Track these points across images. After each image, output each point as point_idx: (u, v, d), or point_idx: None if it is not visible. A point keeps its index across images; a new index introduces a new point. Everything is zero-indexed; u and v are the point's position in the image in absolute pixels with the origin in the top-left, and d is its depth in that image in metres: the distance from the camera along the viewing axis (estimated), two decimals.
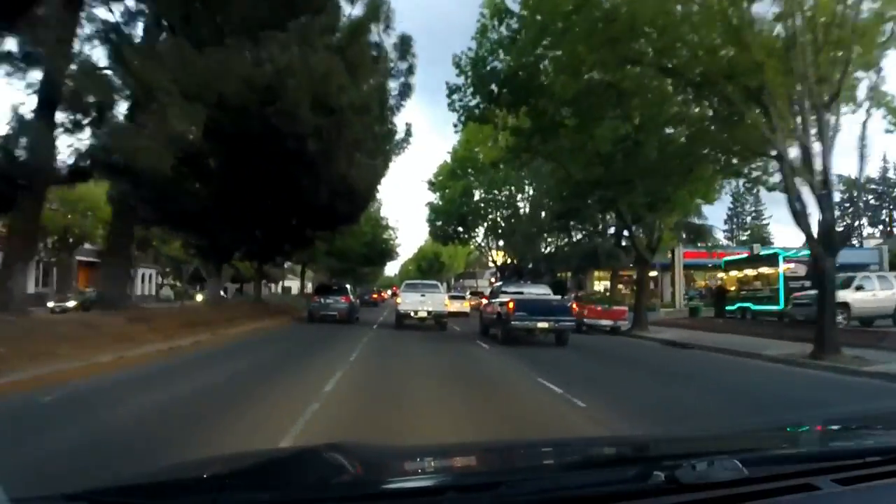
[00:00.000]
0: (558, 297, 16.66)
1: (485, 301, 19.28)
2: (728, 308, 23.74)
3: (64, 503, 1.09)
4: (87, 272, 45.33)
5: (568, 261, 30.41)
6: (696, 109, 16.04)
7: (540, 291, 16.55)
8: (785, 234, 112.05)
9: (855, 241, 57.25)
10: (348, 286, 23.36)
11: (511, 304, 13.42)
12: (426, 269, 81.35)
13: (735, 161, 16.75)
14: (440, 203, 39.85)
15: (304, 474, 1.33)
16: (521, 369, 9.88)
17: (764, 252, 26.07)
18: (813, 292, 14.49)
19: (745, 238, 64.76)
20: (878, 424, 2.36)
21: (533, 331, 13.63)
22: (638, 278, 20.08)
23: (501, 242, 41.86)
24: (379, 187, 21.13)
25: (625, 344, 16.53)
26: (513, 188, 34.34)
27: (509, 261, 41.45)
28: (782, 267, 21.50)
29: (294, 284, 75.90)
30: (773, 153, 12.68)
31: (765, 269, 22.50)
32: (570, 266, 32.02)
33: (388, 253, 51.37)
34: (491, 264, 57.63)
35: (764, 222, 69.70)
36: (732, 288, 24.33)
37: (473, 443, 3.84)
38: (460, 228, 42.06)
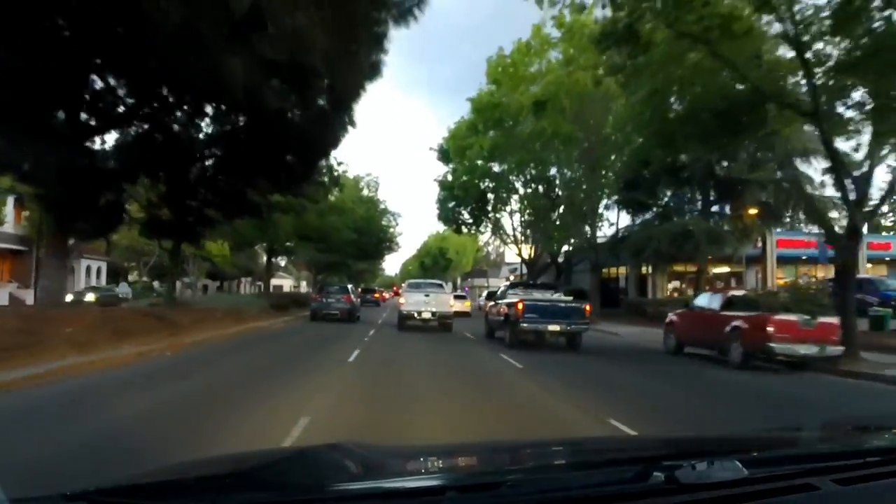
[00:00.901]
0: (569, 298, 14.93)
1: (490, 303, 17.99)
2: None
3: (64, 503, 1.05)
4: (10, 263, 36.54)
5: (641, 250, 21.17)
6: None
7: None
8: None
9: None
10: (350, 286, 23.73)
11: (520, 305, 12.64)
12: (430, 266, 72.94)
13: None
14: (455, 175, 30.46)
15: (304, 474, 1.32)
16: None
17: None
18: None
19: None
20: (878, 424, 2.12)
21: (543, 334, 12.93)
22: (843, 268, 10.76)
23: (524, 232, 32.63)
24: (368, 86, 11.58)
25: None
26: (557, 152, 24.52)
27: (536, 253, 32.29)
28: None
29: (286, 283, 66.33)
30: None
31: None
32: (643, 257, 22.75)
33: (386, 244, 42.05)
34: (514, 258, 48.67)
35: None
36: None
37: (473, 443, 3.61)
38: (477, 212, 32.90)
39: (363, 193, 37.69)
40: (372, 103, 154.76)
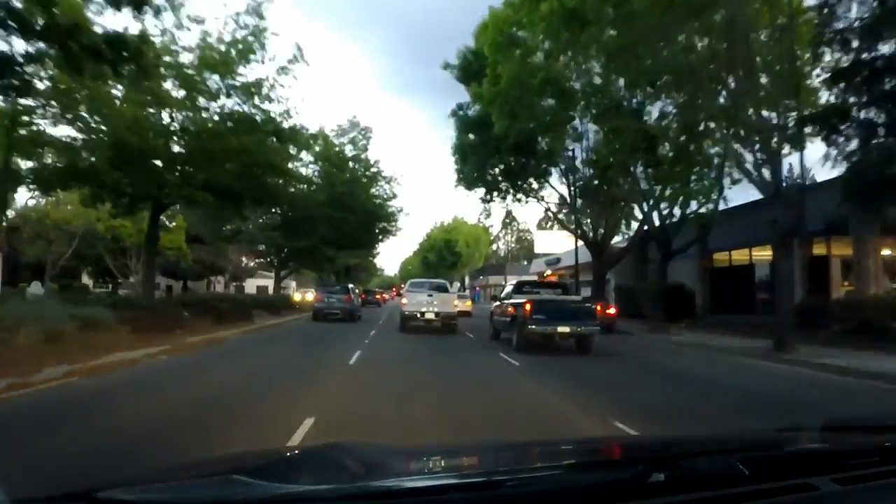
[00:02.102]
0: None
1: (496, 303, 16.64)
2: None
3: (65, 503, 1.05)
4: None
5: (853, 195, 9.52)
6: None
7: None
8: None
9: None
10: (350, 286, 24.52)
11: (528, 306, 12.16)
12: (434, 263, 61.95)
13: None
14: (489, 94, 18.56)
15: (305, 474, 1.31)
16: None
17: None
18: None
19: None
20: (878, 424, 2.18)
21: (552, 336, 12.34)
22: None
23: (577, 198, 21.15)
24: None
25: None
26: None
27: (606, 231, 21.22)
28: None
29: (270, 284, 54.11)
30: None
31: None
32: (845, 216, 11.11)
33: (382, 222, 30.71)
34: (550, 247, 37.61)
35: None
36: None
37: (474, 442, 3.67)
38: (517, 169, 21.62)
39: (342, 146, 26.20)
40: (367, 103, 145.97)
